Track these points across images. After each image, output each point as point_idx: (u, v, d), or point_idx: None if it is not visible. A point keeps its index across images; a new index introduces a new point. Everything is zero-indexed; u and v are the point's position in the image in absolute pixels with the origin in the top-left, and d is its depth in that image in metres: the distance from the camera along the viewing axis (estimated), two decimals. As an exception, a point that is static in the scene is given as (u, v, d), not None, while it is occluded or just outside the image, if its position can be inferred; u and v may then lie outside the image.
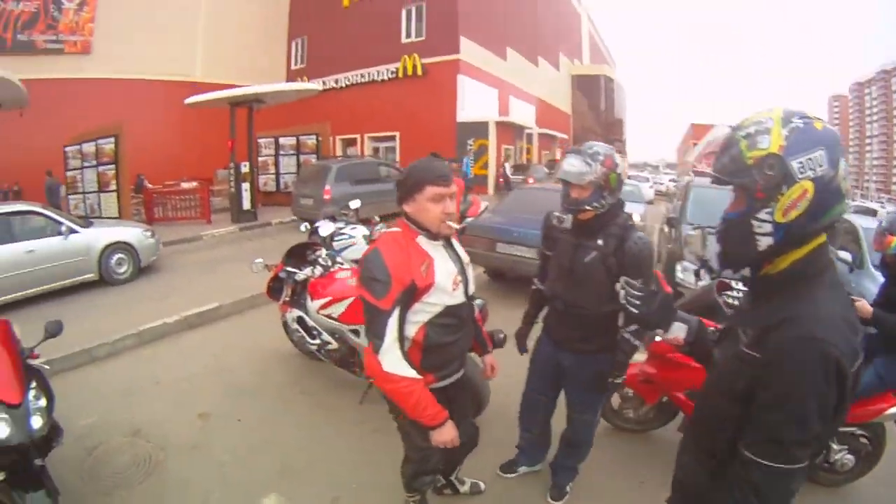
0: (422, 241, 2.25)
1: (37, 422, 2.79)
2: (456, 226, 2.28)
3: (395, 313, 2.10)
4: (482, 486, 3.48)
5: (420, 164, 2.24)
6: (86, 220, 9.46)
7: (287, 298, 4.99)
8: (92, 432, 4.24)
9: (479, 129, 24.62)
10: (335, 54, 26.83)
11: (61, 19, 21.31)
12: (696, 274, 4.45)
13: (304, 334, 4.78)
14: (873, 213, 18.07)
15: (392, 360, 2.11)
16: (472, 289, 2.45)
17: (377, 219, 7.11)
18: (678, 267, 6.13)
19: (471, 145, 24.14)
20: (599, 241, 2.74)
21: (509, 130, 27.64)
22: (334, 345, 4.58)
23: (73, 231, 8.36)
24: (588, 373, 2.94)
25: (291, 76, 28.12)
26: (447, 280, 2.25)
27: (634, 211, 10.82)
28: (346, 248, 6.41)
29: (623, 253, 2.67)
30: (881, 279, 6.61)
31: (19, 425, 2.69)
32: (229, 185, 15.70)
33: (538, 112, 34.94)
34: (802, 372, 1.32)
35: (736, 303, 5.60)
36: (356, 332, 4.31)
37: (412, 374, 2.14)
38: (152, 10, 22.79)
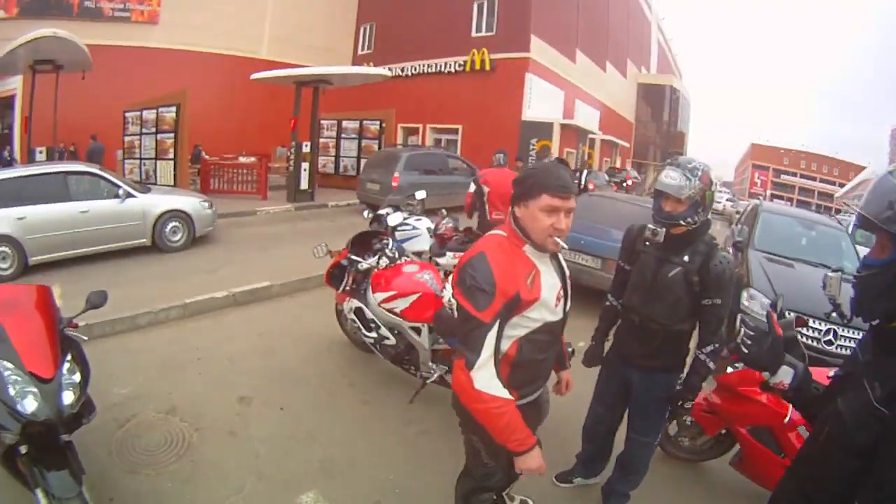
0: (529, 250, 2.07)
1: (68, 397, 2.62)
2: (564, 244, 2.06)
3: (495, 327, 1.93)
4: (531, 502, 3.30)
5: (542, 167, 2.08)
6: (143, 186, 9.45)
7: (347, 288, 4.81)
8: (126, 403, 4.10)
9: (543, 129, 24.16)
10: (403, 42, 26.57)
11: (129, -13, 21.46)
12: (773, 306, 4.06)
13: (361, 326, 4.63)
14: None
15: (486, 378, 1.93)
16: (569, 305, 2.28)
17: (444, 212, 7.07)
18: (744, 294, 5.98)
19: (533, 145, 23.74)
20: (685, 258, 2.72)
21: (573, 134, 27.15)
22: (392, 340, 4.44)
23: (130, 195, 8.33)
24: (654, 391, 2.93)
25: (358, 61, 27.91)
26: (551, 294, 2.10)
27: None
28: (409, 238, 6.24)
29: (707, 271, 2.64)
30: None
31: (49, 401, 2.52)
32: (288, 163, 15.57)
33: (602, 118, 34.32)
34: None
35: (810, 342, 5.48)
36: (417, 330, 4.23)
37: (506, 394, 1.95)
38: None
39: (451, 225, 6.82)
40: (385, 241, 5.02)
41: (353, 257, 4.77)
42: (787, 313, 4.40)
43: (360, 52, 29.22)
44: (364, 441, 3.90)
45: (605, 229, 7.41)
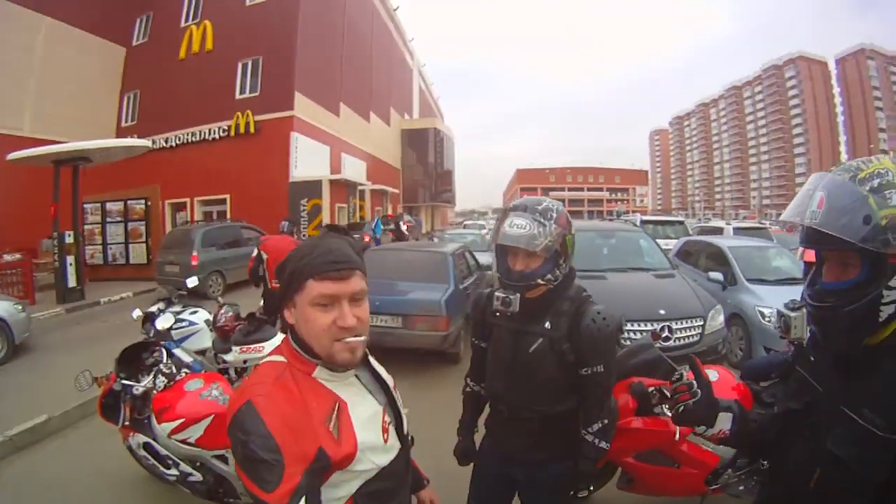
0: (321, 374, 1.43)
1: None
2: (360, 344, 1.45)
3: None
4: None
5: (302, 247, 1.47)
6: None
7: (127, 421, 3.97)
8: None
9: (312, 187, 24.44)
10: (167, 110, 25.58)
11: None
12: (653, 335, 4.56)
13: (157, 463, 3.85)
14: (720, 230, 18.78)
15: None
16: (406, 425, 1.66)
17: (220, 300, 6.06)
18: None
19: (304, 206, 24.05)
20: (547, 325, 2.20)
21: (342, 188, 27.69)
22: (197, 476, 3.73)
23: None
24: (546, 487, 2.33)
25: (121, 134, 26.07)
26: (373, 431, 1.48)
27: (486, 260, 11.09)
28: (187, 337, 5.63)
29: (579, 335, 2.14)
30: (757, 290, 7.85)
31: None
32: (53, 259, 13.85)
33: (369, 168, 35.39)
34: None
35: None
36: (223, 459, 3.61)
37: None
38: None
39: (230, 314, 5.79)
40: (158, 354, 4.27)
41: (125, 382, 3.95)
42: (625, 325, 4.79)
43: (123, 124, 27.40)
44: None
45: (395, 283, 7.53)
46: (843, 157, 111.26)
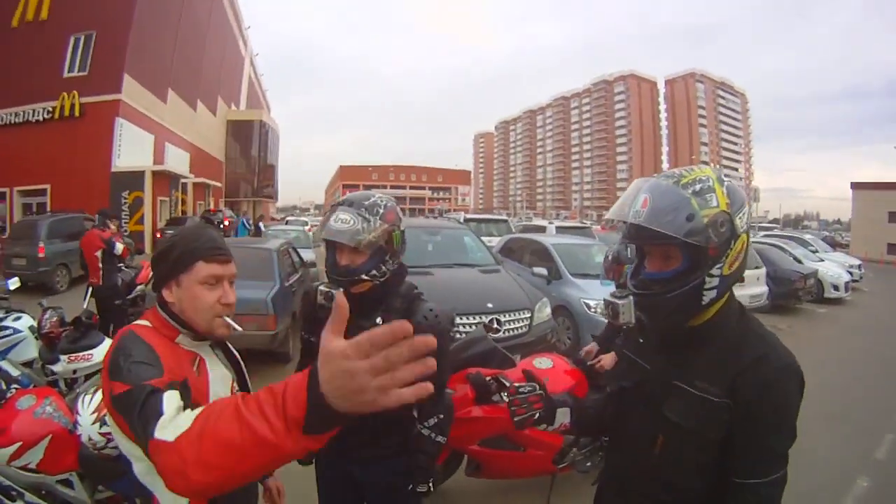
0: (183, 341, 1.65)
1: None
2: (236, 326, 1.71)
3: (174, 393, 1.29)
4: None
5: (188, 231, 1.70)
6: None
7: None
8: None
9: (134, 179, 23.66)
10: None
11: None
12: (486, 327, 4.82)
13: (1, 497, 3.40)
14: (543, 229, 19.30)
15: (176, 426, 1.06)
16: None
17: (44, 303, 5.50)
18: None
19: (125, 198, 23.27)
20: (378, 320, 2.16)
21: (165, 180, 26.90)
22: None
23: None
24: (385, 484, 2.31)
25: None
26: (224, 389, 1.72)
27: (308, 256, 11.17)
28: (11, 347, 5.07)
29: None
30: (581, 283, 8.48)
31: None
32: None
33: (192, 159, 34.15)
34: (791, 393, 1.43)
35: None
36: (68, 483, 3.28)
37: (205, 407, 1.07)
38: None
39: (55, 318, 5.09)
40: None
41: None
42: (456, 317, 5.02)
43: None
44: None
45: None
46: (665, 165, 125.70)
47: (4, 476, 3.20)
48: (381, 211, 2.11)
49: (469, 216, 24.18)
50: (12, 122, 23.63)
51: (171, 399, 1.25)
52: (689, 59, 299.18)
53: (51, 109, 23.44)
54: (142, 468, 1.47)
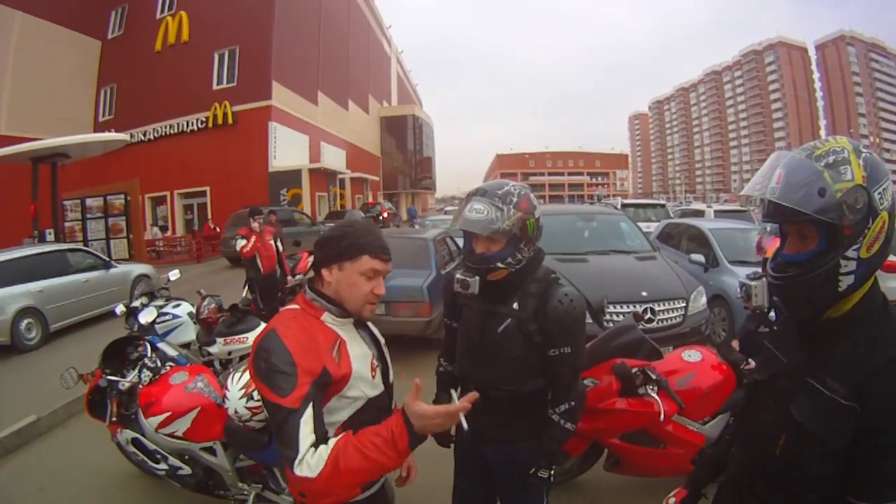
0: (327, 319, 1.79)
1: None
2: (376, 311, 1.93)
3: (309, 411, 1.55)
4: None
5: (360, 226, 1.84)
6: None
7: (115, 417, 3.85)
8: None
9: (291, 177, 24.67)
10: (145, 103, 25.56)
11: None
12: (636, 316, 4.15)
13: (146, 458, 3.81)
14: (701, 213, 17.95)
15: (315, 463, 1.49)
16: (391, 375, 2.02)
17: (203, 291, 6.07)
18: None
19: (284, 195, 24.10)
20: (515, 305, 2.21)
21: (322, 177, 27.83)
22: (186, 469, 3.68)
23: (112, 266, 10.69)
24: (513, 467, 2.34)
25: (99, 129, 25.91)
26: (364, 366, 1.82)
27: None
28: (171, 330, 5.57)
29: (546, 317, 2.14)
30: (739, 272, 7.48)
31: None
32: None
33: (349, 156, 35.43)
34: None
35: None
36: (211, 451, 3.56)
37: (331, 450, 1.51)
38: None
39: (213, 305, 5.79)
40: (143, 348, 4.22)
41: (110, 377, 3.86)
42: (607, 307, 4.88)
43: (101, 118, 27.32)
44: None
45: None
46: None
47: (152, 441, 3.65)
48: (515, 199, 2.11)
49: (626, 201, 22.92)
50: (168, 133, 25.71)
51: (305, 428, 1.54)
52: (834, 20, 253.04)
53: (204, 119, 25.07)
54: None
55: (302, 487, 1.51)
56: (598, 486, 3.95)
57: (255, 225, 8.06)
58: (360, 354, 1.82)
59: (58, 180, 14.39)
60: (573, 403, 2.22)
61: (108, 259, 10.80)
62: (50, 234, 13.91)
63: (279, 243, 8.47)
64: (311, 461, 1.49)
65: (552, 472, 2.26)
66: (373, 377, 1.85)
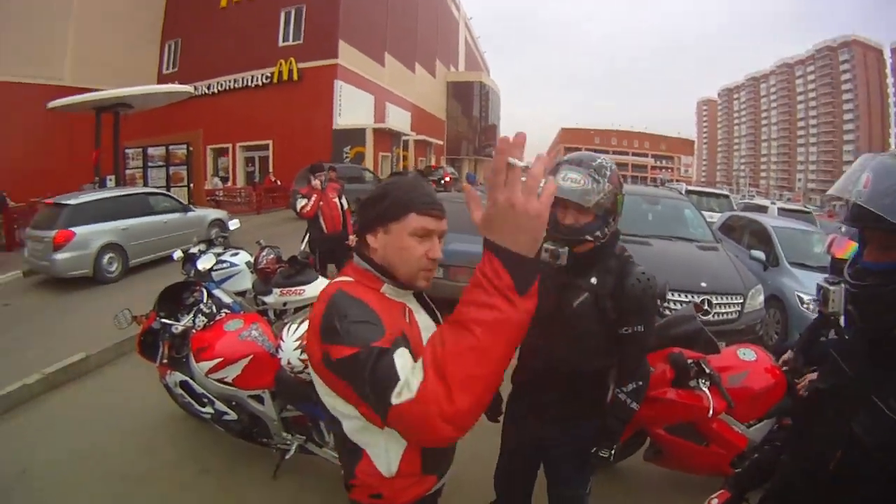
0: (388, 290, 1.55)
1: None
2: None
3: (402, 350, 1.24)
4: None
5: (404, 182, 1.61)
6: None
7: (165, 359, 3.96)
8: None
9: (355, 136, 24.73)
10: (209, 58, 25.94)
11: None
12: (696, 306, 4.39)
13: (193, 402, 3.89)
14: (764, 209, 17.85)
15: (413, 383, 1.11)
16: None
17: (262, 242, 6.07)
18: None
19: (347, 153, 24.18)
20: (593, 280, 2.16)
21: (386, 137, 27.90)
22: (232, 415, 3.73)
23: (190, 209, 11.85)
24: (572, 445, 2.35)
25: (163, 81, 26.13)
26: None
27: None
28: (228, 278, 5.59)
29: (623, 293, 2.11)
30: (798, 274, 7.58)
31: None
32: None
33: (414, 118, 35.31)
34: None
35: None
36: (259, 399, 3.61)
37: (420, 362, 1.14)
38: (14, 6, 20.55)
39: (272, 256, 5.80)
40: (199, 294, 4.33)
41: (164, 320, 3.98)
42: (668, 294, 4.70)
43: (164, 71, 27.80)
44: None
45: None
46: (893, 147, 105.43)
47: (200, 385, 3.73)
48: (608, 173, 2.08)
49: (690, 188, 22.39)
50: (232, 87, 26.03)
51: (402, 358, 1.21)
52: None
53: (269, 75, 25.18)
54: (353, 426, 1.51)
55: (405, 425, 1.15)
56: (637, 475, 3.92)
57: (315, 183, 7.47)
58: (426, 326, 1.62)
59: (120, 129, 14.60)
60: (640, 383, 2.24)
61: (186, 203, 11.88)
62: (111, 180, 14.23)
63: (344, 201, 7.83)
64: (407, 385, 1.13)
65: (612, 452, 2.28)
66: None
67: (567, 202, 2.07)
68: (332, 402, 1.49)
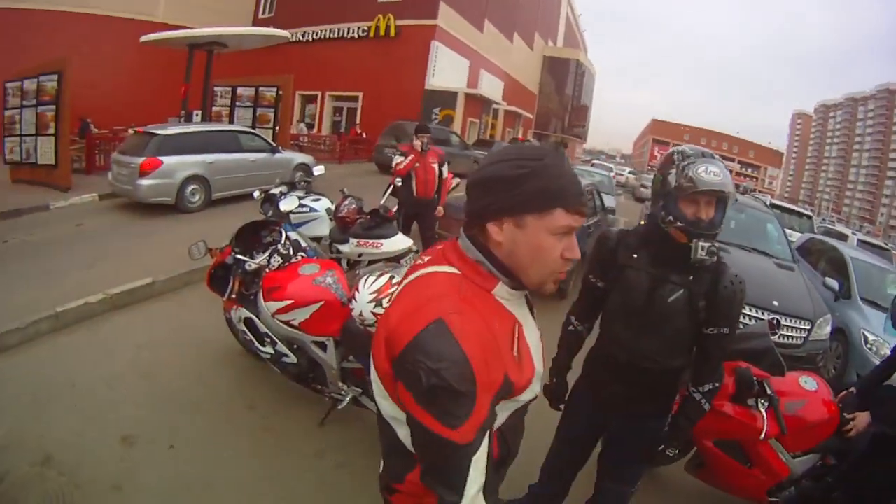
0: (501, 292, 1.25)
1: None
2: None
3: (483, 445, 1.11)
4: None
5: (551, 162, 1.20)
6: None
7: (234, 294, 3.91)
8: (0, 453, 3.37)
9: (447, 98, 24.48)
10: (306, 7, 26.11)
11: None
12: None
13: (254, 339, 3.87)
14: (844, 237, 17.18)
15: None
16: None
17: (345, 191, 6.01)
18: None
19: (436, 114, 23.89)
20: (691, 277, 2.09)
21: (477, 103, 27.60)
22: (292, 358, 3.72)
23: (278, 150, 12.13)
24: (637, 440, 2.34)
25: (258, 24, 26.56)
26: (538, 355, 1.35)
27: (609, 202, 11.41)
28: (305, 222, 5.86)
29: (716, 294, 2.05)
30: (868, 312, 7.15)
31: None
32: None
33: (506, 88, 34.70)
34: None
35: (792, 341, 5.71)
36: (322, 346, 3.58)
37: None
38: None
39: (354, 206, 5.80)
40: (277, 234, 4.28)
41: (239, 256, 3.94)
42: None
43: (260, 15, 28.27)
44: (271, 484, 3.29)
45: None
46: None
47: (265, 324, 3.71)
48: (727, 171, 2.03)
49: (773, 202, 21.14)
50: (327, 37, 26.16)
51: (476, 468, 1.10)
52: None
53: (366, 28, 25.04)
54: (406, 433, 1.23)
55: None
56: (674, 484, 3.84)
57: (416, 143, 6.94)
58: (535, 343, 1.33)
59: (212, 67, 14.65)
60: (717, 385, 2.21)
61: (274, 144, 12.17)
62: (197, 115, 14.27)
63: (445, 169, 7.20)
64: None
65: (678, 451, 2.36)
66: (544, 368, 1.39)
67: (710, 196, 2.02)
68: (388, 407, 1.26)
